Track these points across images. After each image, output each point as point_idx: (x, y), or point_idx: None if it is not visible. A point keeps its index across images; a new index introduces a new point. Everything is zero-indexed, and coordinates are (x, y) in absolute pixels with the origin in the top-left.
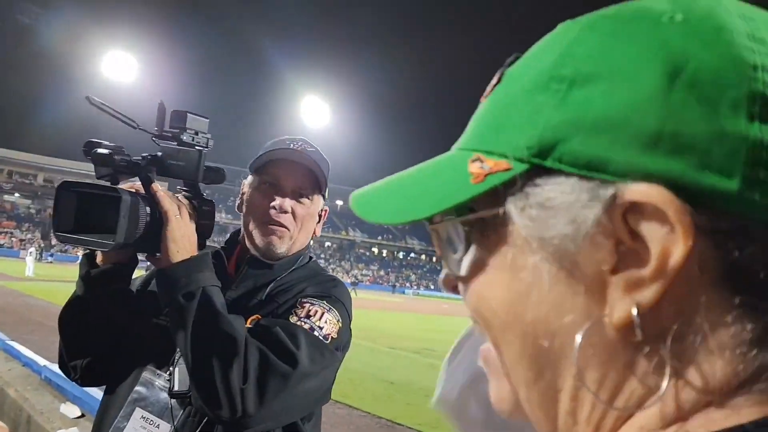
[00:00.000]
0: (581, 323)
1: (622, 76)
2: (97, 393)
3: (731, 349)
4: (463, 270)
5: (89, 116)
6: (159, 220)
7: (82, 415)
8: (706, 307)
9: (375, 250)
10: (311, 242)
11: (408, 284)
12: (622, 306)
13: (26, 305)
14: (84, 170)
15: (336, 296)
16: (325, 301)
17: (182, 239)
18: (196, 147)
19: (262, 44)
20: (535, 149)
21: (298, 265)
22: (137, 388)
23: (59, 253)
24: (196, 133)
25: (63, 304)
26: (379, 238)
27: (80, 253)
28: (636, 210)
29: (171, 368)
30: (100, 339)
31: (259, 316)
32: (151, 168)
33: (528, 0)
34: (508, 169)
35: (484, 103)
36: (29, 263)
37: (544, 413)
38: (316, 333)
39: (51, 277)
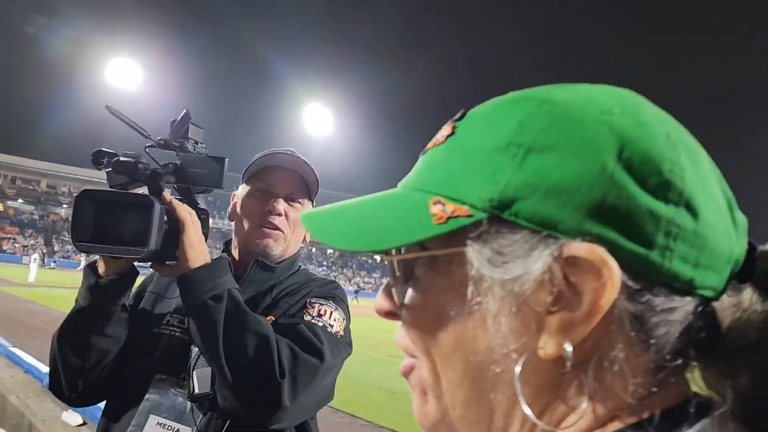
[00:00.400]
0: (520, 353)
1: (574, 152)
2: None
3: (639, 373)
4: (412, 300)
5: (93, 123)
6: (176, 227)
7: (84, 423)
8: (619, 342)
9: (377, 257)
10: (302, 248)
11: None
12: (555, 342)
13: (28, 311)
14: (87, 177)
15: (339, 297)
16: (331, 302)
17: (199, 245)
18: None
19: (266, 52)
20: (496, 202)
21: (294, 269)
22: (149, 396)
23: (62, 259)
24: (197, 143)
25: (65, 309)
26: None
27: (83, 259)
28: (574, 263)
29: (187, 372)
30: (105, 352)
31: (273, 317)
32: (170, 177)
33: (529, 15)
34: (469, 216)
35: (439, 151)
36: (33, 269)
37: (478, 430)
38: (329, 330)
39: (53, 283)
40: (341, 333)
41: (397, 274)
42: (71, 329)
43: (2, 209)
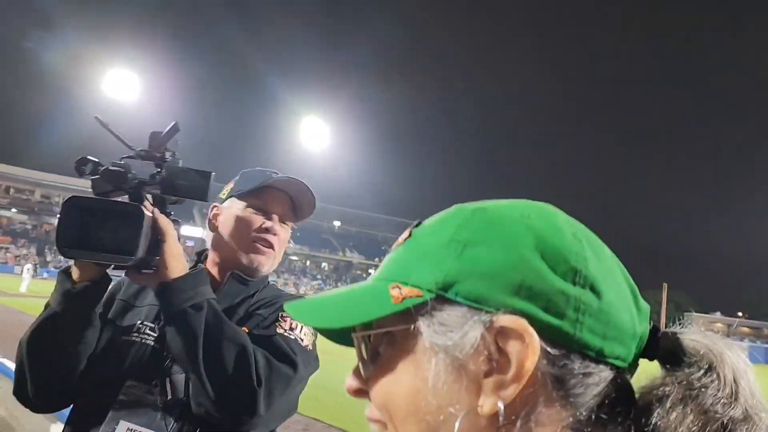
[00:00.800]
0: (462, 411)
1: (499, 245)
2: None
3: (560, 427)
4: (376, 372)
5: (88, 134)
6: (157, 237)
7: None
8: (544, 400)
9: (372, 271)
10: (298, 261)
11: None
12: (491, 400)
13: (19, 322)
14: (82, 187)
15: None
16: None
17: (179, 255)
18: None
19: (263, 64)
20: (441, 284)
21: (264, 284)
22: (119, 402)
23: (54, 270)
24: (174, 154)
25: None
26: (377, 259)
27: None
28: (504, 333)
29: (160, 379)
30: (77, 358)
31: (247, 329)
32: (155, 187)
33: (523, 33)
34: (419, 296)
35: (400, 250)
36: (25, 279)
37: None
38: (300, 343)
39: (45, 294)
40: (310, 347)
41: (363, 352)
42: (44, 335)
43: None
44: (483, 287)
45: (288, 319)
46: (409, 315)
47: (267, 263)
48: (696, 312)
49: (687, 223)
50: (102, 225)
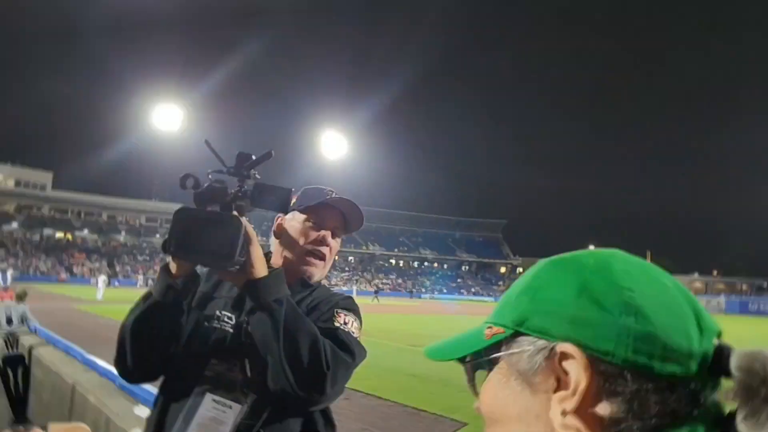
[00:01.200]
0: (536, 419)
1: (558, 288)
2: None
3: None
4: (481, 391)
5: (141, 162)
6: (246, 242)
7: None
8: (603, 410)
9: (393, 261)
10: None
11: (423, 289)
12: (557, 410)
13: (99, 325)
14: (140, 207)
15: (358, 311)
16: (352, 313)
17: (262, 257)
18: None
19: (290, 86)
20: (517, 322)
21: (319, 284)
22: (205, 377)
23: (123, 279)
24: (257, 173)
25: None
26: (396, 250)
27: (140, 277)
28: (565, 357)
29: (239, 360)
30: (172, 340)
31: None
32: (246, 201)
33: (541, 52)
34: (502, 332)
35: (500, 300)
36: (100, 288)
37: None
38: (353, 335)
39: (119, 300)
40: (359, 339)
41: (469, 377)
42: (146, 320)
43: (72, 239)
44: (546, 322)
45: (342, 315)
46: (496, 347)
47: (317, 273)
48: (678, 274)
49: (669, 192)
50: (205, 232)
